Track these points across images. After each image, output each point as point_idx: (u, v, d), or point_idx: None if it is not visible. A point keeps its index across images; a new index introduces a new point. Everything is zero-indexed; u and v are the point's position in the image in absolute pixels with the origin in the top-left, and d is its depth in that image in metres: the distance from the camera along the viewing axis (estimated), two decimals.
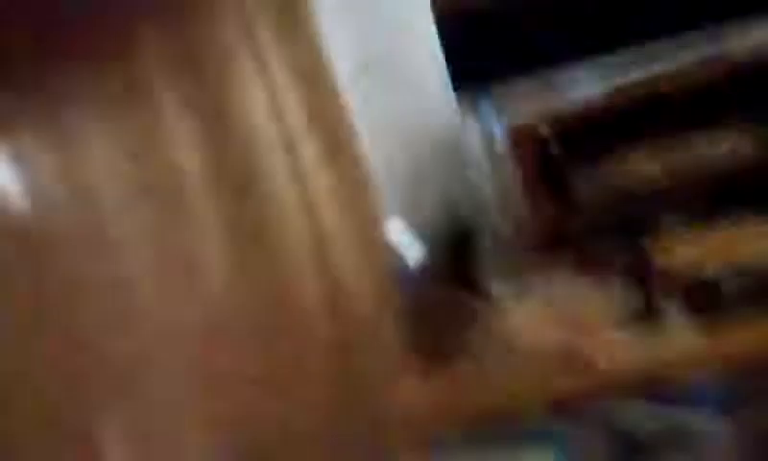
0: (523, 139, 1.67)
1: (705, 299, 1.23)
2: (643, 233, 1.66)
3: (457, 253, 1.45)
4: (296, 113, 1.47)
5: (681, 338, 1.16)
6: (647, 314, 1.20)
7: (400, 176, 1.72)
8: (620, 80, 1.72)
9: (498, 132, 1.73)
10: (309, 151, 1.49)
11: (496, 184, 1.77)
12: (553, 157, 1.68)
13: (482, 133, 1.76)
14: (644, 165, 1.72)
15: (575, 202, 1.73)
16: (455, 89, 1.78)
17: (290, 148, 1.41)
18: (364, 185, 1.55)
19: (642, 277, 1.21)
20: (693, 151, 1.71)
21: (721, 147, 1.71)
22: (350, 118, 1.49)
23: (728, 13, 1.70)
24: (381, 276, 1.46)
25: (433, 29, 1.77)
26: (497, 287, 1.52)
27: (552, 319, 1.27)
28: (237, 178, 1.29)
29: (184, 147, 1.08)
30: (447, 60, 1.79)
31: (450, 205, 1.49)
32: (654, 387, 1.29)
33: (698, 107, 1.78)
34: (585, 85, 1.73)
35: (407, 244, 1.28)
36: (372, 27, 1.79)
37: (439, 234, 1.35)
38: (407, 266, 1.28)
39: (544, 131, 1.65)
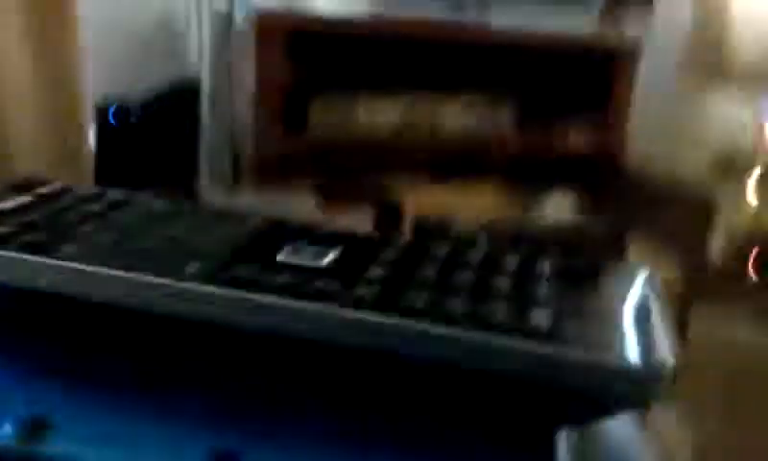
0: (269, 31, 1.49)
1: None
2: (374, 177, 1.58)
3: (173, 148, 1.22)
4: None
5: None
6: None
7: (120, 50, 1.47)
8: (371, 13, 1.64)
9: (241, 16, 1.52)
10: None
11: (224, 79, 1.56)
12: (294, 69, 1.53)
13: (218, 18, 1.54)
14: (384, 114, 1.66)
15: (308, 126, 1.60)
16: None
17: None
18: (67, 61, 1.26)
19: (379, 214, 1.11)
20: (435, 112, 1.69)
21: (455, 112, 1.71)
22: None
23: None
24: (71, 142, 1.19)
25: None
26: (211, 195, 1.32)
27: None
28: None
29: None
30: None
31: (170, 90, 1.26)
32: None
33: (443, 65, 1.76)
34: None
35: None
36: None
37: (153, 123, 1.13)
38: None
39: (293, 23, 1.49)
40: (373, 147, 1.65)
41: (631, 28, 1.79)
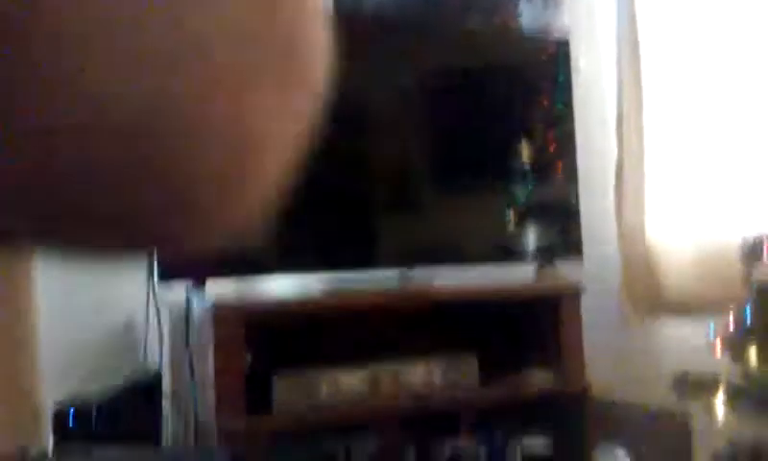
0: (227, 320, 1.53)
1: None
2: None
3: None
4: None
5: None
6: None
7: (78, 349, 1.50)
8: (323, 290, 1.72)
9: (201, 312, 1.57)
10: None
11: (184, 371, 1.56)
12: (254, 352, 1.55)
13: (175, 312, 1.59)
14: (348, 385, 1.67)
15: (270, 404, 1.58)
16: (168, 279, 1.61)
17: None
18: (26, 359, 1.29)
19: None
20: (397, 376, 1.70)
21: (417, 374, 1.73)
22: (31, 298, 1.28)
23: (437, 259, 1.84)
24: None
25: None
26: None
27: None
28: None
29: None
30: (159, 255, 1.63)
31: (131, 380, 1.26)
32: None
33: (399, 331, 1.81)
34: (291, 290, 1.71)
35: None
36: None
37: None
38: None
39: (247, 312, 1.54)
40: (339, 418, 1.63)
41: (567, 273, 1.91)
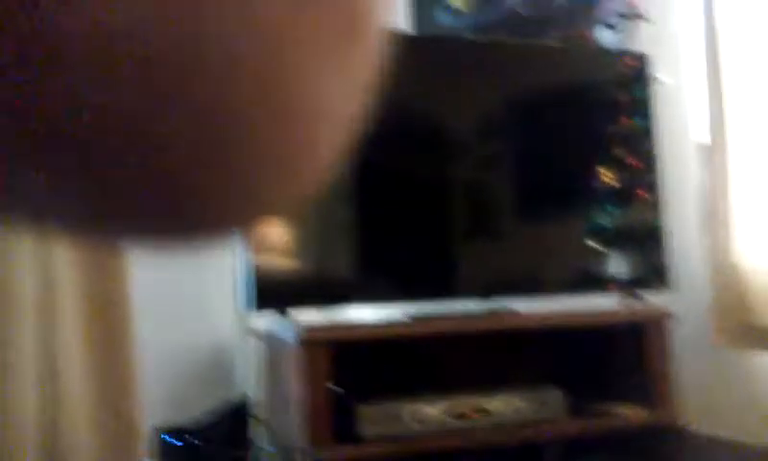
0: (313, 351, 1.56)
1: None
2: None
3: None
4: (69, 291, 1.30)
5: None
6: None
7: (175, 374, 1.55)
8: (409, 316, 1.73)
9: (289, 339, 1.60)
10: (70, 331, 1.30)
11: (274, 396, 1.59)
12: (340, 383, 1.57)
13: (269, 347, 1.63)
14: (429, 410, 1.67)
15: (356, 433, 1.60)
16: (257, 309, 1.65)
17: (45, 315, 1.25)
18: (123, 377, 1.36)
19: None
20: (478, 403, 1.70)
21: (501, 405, 1.71)
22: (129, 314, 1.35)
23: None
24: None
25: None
26: None
27: None
28: None
29: None
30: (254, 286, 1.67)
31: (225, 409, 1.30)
32: None
33: (483, 361, 1.80)
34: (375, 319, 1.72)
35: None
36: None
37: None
38: None
39: (335, 338, 1.56)
40: (424, 448, 1.63)
41: (654, 300, 1.86)
